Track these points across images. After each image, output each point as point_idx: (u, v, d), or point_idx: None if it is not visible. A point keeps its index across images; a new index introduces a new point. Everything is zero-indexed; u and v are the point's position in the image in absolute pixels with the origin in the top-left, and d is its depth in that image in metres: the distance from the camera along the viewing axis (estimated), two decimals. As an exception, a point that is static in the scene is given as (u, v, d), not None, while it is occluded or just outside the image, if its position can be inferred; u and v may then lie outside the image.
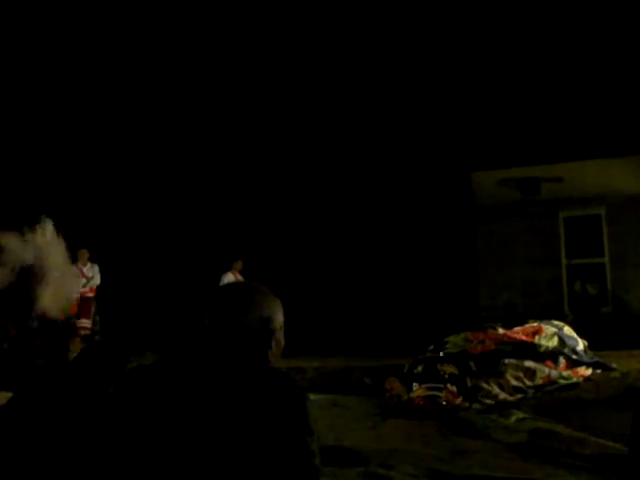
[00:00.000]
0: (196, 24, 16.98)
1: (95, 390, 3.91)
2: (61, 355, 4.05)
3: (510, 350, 9.79)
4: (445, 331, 10.85)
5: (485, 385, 8.95)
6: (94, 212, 16.70)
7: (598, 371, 10.02)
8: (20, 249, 3.92)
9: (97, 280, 14.03)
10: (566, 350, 10.07)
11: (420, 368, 9.13)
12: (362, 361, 12.24)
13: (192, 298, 14.24)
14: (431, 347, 10.23)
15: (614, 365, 10.21)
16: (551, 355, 9.88)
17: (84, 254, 14.00)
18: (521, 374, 9.36)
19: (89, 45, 17.08)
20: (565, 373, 9.68)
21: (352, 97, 16.10)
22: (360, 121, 16.05)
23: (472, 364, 9.27)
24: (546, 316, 11.56)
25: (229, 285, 2.88)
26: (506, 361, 9.48)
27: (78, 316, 13.71)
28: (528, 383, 9.26)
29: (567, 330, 10.63)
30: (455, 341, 10.21)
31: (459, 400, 8.58)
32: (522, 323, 10.80)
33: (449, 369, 8.95)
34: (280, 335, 2.43)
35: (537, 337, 10.20)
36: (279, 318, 2.43)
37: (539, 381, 9.33)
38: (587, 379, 9.69)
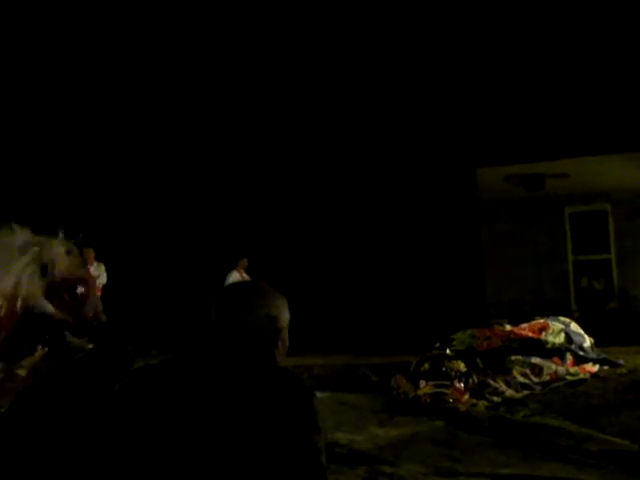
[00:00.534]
0: (196, 24, 16.99)
1: (100, 389, 3.92)
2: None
3: (517, 347, 9.80)
4: (451, 328, 10.85)
5: (492, 382, 8.95)
6: (100, 211, 16.73)
7: (605, 367, 10.01)
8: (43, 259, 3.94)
9: (103, 279, 13.99)
10: (573, 346, 10.08)
11: (427, 365, 9.13)
12: (368, 358, 12.24)
13: (197, 296, 14.27)
14: (437, 344, 10.21)
15: (621, 361, 10.21)
16: (558, 351, 9.88)
17: (90, 253, 13.96)
18: (528, 370, 9.36)
19: (90, 45, 17.11)
20: (572, 369, 9.67)
21: (357, 93, 16.09)
22: (365, 117, 16.04)
23: (479, 361, 9.28)
24: (553, 312, 11.56)
25: (236, 284, 2.88)
26: (513, 358, 9.49)
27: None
28: (535, 380, 9.26)
29: (574, 326, 10.64)
30: (462, 338, 10.21)
31: (466, 397, 8.58)
32: (529, 320, 10.80)
33: (456, 366, 8.94)
34: (286, 334, 2.44)
35: (544, 334, 10.20)
36: (285, 317, 2.44)
37: (546, 377, 9.33)
38: (594, 375, 9.69)
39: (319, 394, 6.83)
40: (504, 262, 14.56)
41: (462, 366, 8.96)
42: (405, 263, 15.78)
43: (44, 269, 3.39)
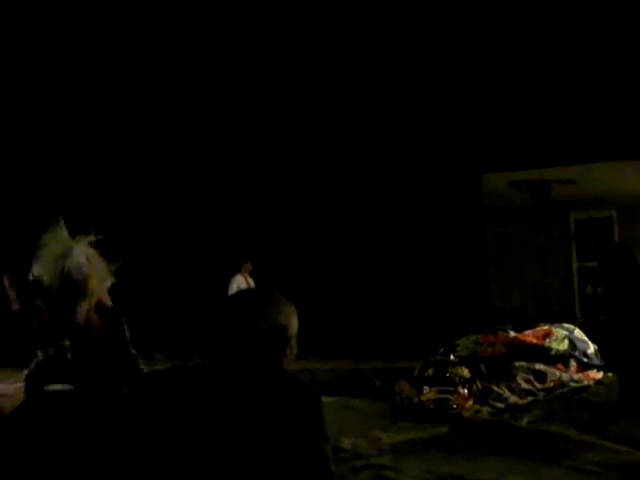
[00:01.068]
0: (196, 24, 16.99)
1: (108, 393, 3.95)
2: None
3: (521, 353, 9.79)
4: (455, 333, 10.85)
5: (496, 388, 8.94)
6: (104, 213, 16.72)
7: (609, 374, 9.99)
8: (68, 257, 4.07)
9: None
10: (577, 353, 10.07)
11: (431, 371, 9.12)
12: (372, 363, 12.27)
13: (202, 300, 14.28)
14: (441, 350, 10.20)
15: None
16: (562, 358, 9.87)
17: (95, 255, 13.96)
18: (532, 377, 9.34)
19: (91, 45, 17.12)
20: (576, 376, 9.67)
21: (362, 98, 16.08)
22: (370, 122, 16.03)
23: (482, 367, 9.26)
24: (557, 319, 11.56)
25: (245, 292, 2.89)
26: (517, 364, 9.47)
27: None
28: (539, 386, 9.25)
29: (578, 333, 10.63)
30: (466, 344, 10.20)
31: (470, 403, 8.57)
32: (533, 326, 10.80)
33: (460, 372, 8.94)
34: (294, 342, 2.44)
35: (548, 340, 10.19)
36: (294, 325, 2.44)
37: (550, 384, 9.32)
38: (598, 382, 9.68)
39: (325, 399, 6.81)
40: (509, 268, 14.57)
41: (466, 372, 8.96)
42: (410, 268, 15.78)
43: (69, 271, 3.46)
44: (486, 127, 14.59)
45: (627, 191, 13.79)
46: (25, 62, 16.98)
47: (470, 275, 15.09)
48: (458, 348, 10.07)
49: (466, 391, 8.70)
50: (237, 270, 13.92)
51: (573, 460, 6.32)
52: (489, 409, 8.54)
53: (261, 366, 2.33)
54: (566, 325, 10.92)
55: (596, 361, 10.14)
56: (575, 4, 13.87)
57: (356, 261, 16.02)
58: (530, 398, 8.98)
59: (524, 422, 7.85)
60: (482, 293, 14.72)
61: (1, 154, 16.66)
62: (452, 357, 9.52)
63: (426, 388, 8.84)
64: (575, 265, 14.55)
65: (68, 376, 3.97)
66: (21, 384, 11.79)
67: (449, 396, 8.59)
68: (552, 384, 9.31)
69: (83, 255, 4.06)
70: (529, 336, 10.33)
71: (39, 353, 4.23)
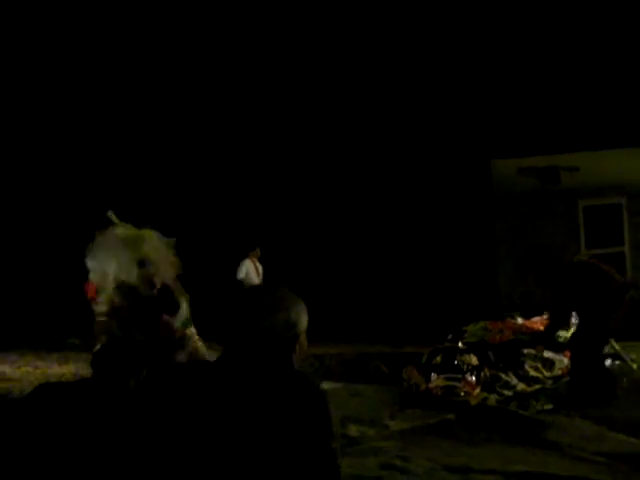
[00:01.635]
0: (196, 24, 16.99)
1: (116, 384, 3.95)
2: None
3: (528, 340, 9.77)
4: (464, 319, 10.84)
5: (503, 376, 8.93)
6: (112, 199, 16.77)
7: (616, 362, 9.98)
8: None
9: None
10: (584, 341, 10.04)
11: (439, 358, 9.12)
12: (380, 348, 12.28)
13: (210, 285, 14.31)
14: (449, 336, 10.20)
15: (633, 356, 10.16)
16: (569, 346, 9.84)
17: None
18: (539, 365, 9.33)
19: (91, 45, 17.15)
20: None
21: (371, 84, 16.05)
22: (379, 108, 16.00)
23: (491, 354, 9.25)
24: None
25: (254, 288, 2.89)
26: (525, 351, 9.47)
27: (96, 301, 13.72)
28: (547, 374, 9.22)
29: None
30: (474, 330, 10.19)
31: (477, 391, 8.57)
32: (541, 312, 10.76)
33: (468, 360, 8.94)
34: (304, 339, 2.46)
35: (555, 327, 10.16)
36: (304, 322, 2.45)
37: (557, 372, 9.29)
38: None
39: (332, 385, 6.84)
40: (517, 254, 14.51)
41: (474, 360, 8.95)
42: (418, 253, 15.76)
43: (141, 262, 3.50)
44: (495, 113, 14.54)
45: (637, 178, 13.72)
46: (25, 62, 17.05)
47: (478, 261, 15.06)
48: (466, 335, 10.06)
49: (474, 379, 8.70)
50: (246, 255, 13.94)
51: (579, 450, 6.33)
52: (497, 397, 8.54)
53: (270, 363, 2.34)
54: (574, 313, 10.87)
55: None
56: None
57: (365, 246, 16.02)
58: (538, 386, 8.96)
59: (532, 411, 7.86)
60: (490, 279, 14.69)
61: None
62: (460, 344, 9.53)
63: (434, 375, 8.85)
64: (584, 252, 14.48)
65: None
66: (27, 368, 11.79)
67: (457, 384, 8.60)
68: (560, 372, 9.28)
69: (152, 245, 4.09)
70: (537, 323, 10.31)
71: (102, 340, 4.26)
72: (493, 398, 8.50)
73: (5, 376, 10.99)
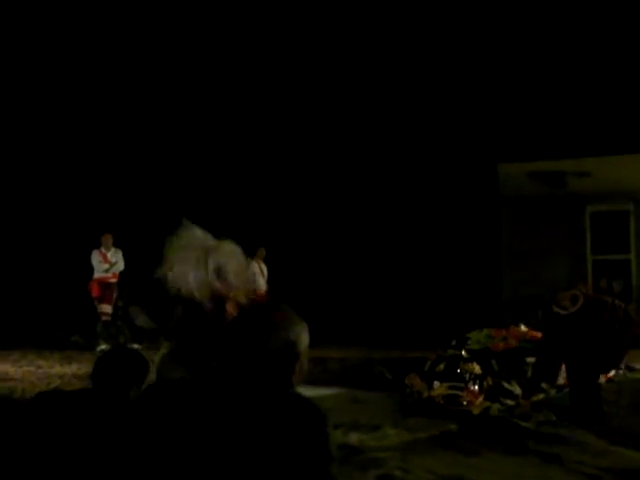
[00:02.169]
0: (196, 24, 16.98)
1: (116, 393, 3.94)
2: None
3: (532, 348, 9.72)
4: (468, 324, 10.81)
5: (507, 385, 8.91)
6: (117, 197, 16.78)
7: (620, 372, 9.93)
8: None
9: (121, 266, 14.03)
10: (589, 349, 9.97)
11: (442, 366, 9.10)
12: (383, 352, 12.25)
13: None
14: (453, 342, 10.19)
15: (638, 366, 10.12)
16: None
17: (108, 239, 14.01)
18: (543, 373, 9.28)
19: (91, 45, 17.15)
20: (587, 373, 9.58)
21: (378, 89, 16.02)
22: (386, 112, 15.97)
23: (494, 362, 9.23)
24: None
25: (253, 307, 2.86)
26: (528, 360, 9.42)
27: (100, 301, 13.76)
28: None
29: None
30: (477, 337, 10.16)
31: (480, 400, 8.54)
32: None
33: (471, 368, 8.91)
34: (304, 358, 2.43)
35: (560, 335, 10.09)
36: (304, 342, 2.43)
37: (561, 381, 9.25)
38: (609, 380, 9.63)
39: (334, 390, 6.83)
40: (523, 259, 14.48)
41: (477, 368, 8.93)
42: (424, 257, 15.75)
43: (217, 271, 3.56)
44: (503, 117, 14.50)
45: (645, 185, 13.68)
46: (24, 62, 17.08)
47: (484, 265, 15.04)
48: (469, 342, 10.05)
49: (477, 387, 8.67)
50: (251, 256, 13.92)
51: (580, 464, 6.27)
52: (499, 406, 8.51)
53: (269, 383, 2.32)
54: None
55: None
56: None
57: (370, 250, 16.00)
58: (541, 395, 8.93)
59: (533, 422, 7.80)
60: (495, 284, 14.66)
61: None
62: (464, 352, 9.50)
63: (437, 383, 8.83)
64: (589, 258, 14.45)
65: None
66: (29, 368, 11.79)
67: (459, 392, 8.57)
68: (563, 381, 9.23)
69: (228, 253, 4.20)
70: (541, 331, 10.25)
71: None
72: (495, 407, 8.47)
73: (7, 376, 10.95)
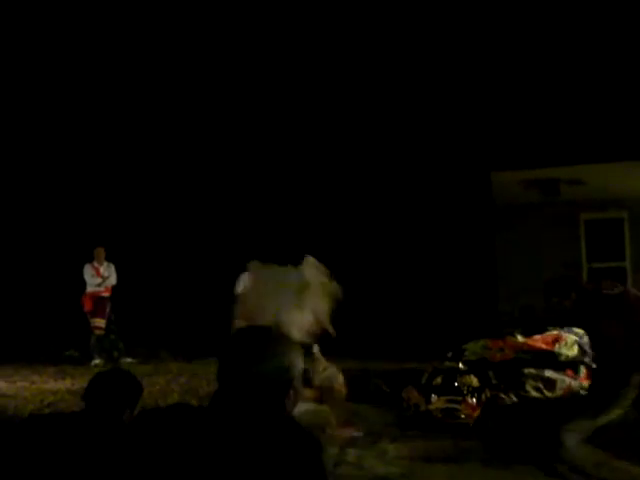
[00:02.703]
0: (196, 24, 16.97)
1: (109, 416, 3.86)
2: None
3: (530, 359, 9.67)
4: (464, 334, 10.75)
5: (504, 396, 8.84)
6: (110, 211, 16.72)
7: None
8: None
9: (113, 280, 14.01)
10: (587, 359, 9.91)
11: (439, 379, 9.04)
12: (378, 364, 12.18)
13: (208, 298, 14.24)
14: (449, 354, 10.11)
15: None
16: (572, 364, 9.73)
17: (101, 253, 14.00)
18: (541, 385, 9.23)
19: (91, 45, 17.13)
20: (585, 383, 9.53)
21: (370, 95, 16.00)
22: (378, 120, 15.96)
23: (491, 374, 9.16)
24: (566, 322, 11.40)
25: (246, 330, 2.80)
26: (526, 371, 9.37)
27: (93, 315, 13.73)
28: (548, 394, 9.13)
29: (587, 338, 10.47)
30: (474, 349, 10.08)
31: (477, 413, 8.49)
32: (541, 329, 10.64)
33: (469, 381, 8.85)
34: (298, 383, 2.38)
35: (557, 345, 10.04)
36: (298, 366, 2.39)
37: (559, 392, 9.20)
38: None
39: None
40: (517, 269, 14.43)
41: (475, 381, 8.87)
42: (417, 268, 15.70)
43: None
44: (496, 125, 14.48)
45: (639, 192, 13.66)
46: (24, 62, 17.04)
47: (478, 275, 15.00)
48: (466, 353, 9.97)
49: (474, 401, 8.62)
50: (245, 269, 13.83)
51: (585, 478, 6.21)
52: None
53: (262, 409, 2.26)
54: (575, 330, 10.72)
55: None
56: (587, 3, 13.73)
57: (363, 262, 15.94)
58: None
59: (532, 435, 7.73)
60: (490, 293, 14.62)
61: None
62: (461, 365, 9.42)
63: (434, 397, 8.76)
64: (585, 266, 14.42)
65: None
66: (22, 383, 11.65)
67: (457, 406, 8.52)
68: (561, 392, 9.19)
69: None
70: (538, 341, 10.19)
71: None
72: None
73: (0, 392, 10.86)
